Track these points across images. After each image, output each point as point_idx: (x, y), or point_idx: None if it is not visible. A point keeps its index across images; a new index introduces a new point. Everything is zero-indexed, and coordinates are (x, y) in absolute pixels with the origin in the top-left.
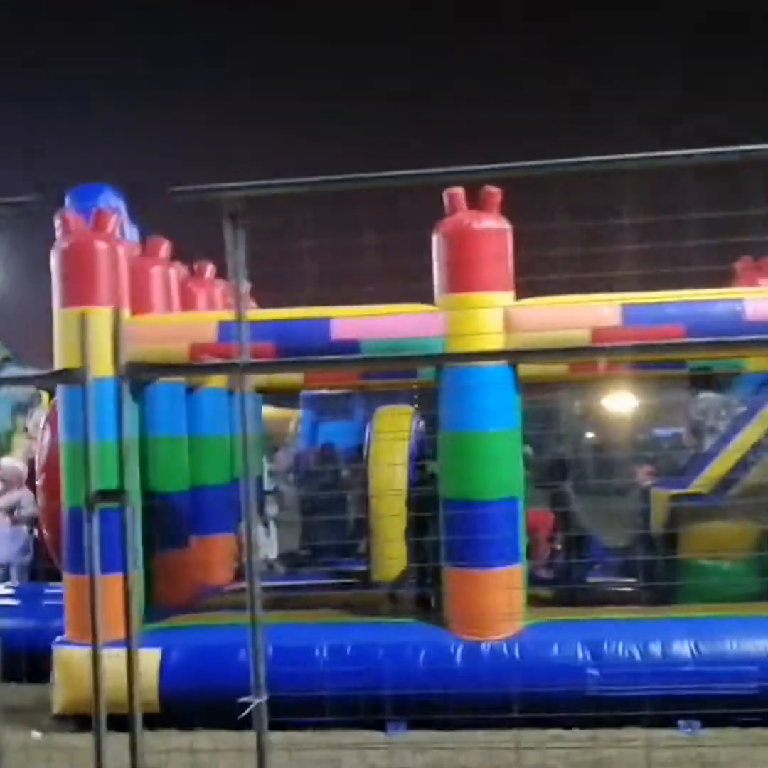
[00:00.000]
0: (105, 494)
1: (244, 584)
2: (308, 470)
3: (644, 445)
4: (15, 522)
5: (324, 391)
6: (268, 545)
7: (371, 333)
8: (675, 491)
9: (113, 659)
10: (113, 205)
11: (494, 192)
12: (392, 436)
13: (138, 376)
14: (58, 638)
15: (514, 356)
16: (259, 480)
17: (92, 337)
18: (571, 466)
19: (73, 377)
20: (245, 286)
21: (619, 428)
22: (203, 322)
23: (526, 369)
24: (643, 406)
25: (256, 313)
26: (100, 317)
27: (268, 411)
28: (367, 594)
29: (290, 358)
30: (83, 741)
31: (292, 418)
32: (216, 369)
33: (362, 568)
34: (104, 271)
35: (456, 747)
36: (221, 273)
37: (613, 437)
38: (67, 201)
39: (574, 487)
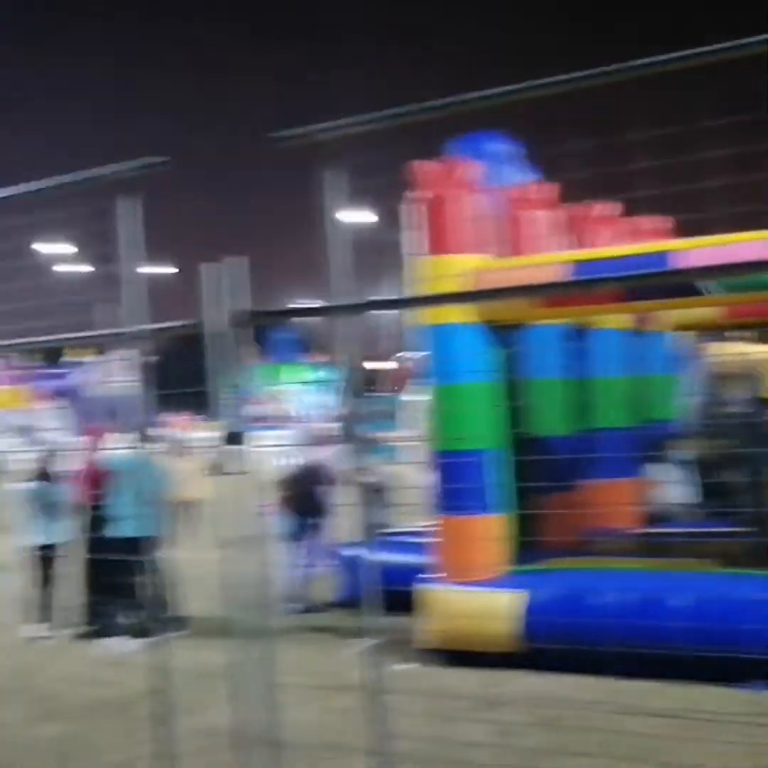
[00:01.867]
0: (234, 436)
1: (647, 529)
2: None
3: None
4: None
5: None
6: (675, 488)
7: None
8: None
9: (473, 599)
10: (502, 151)
11: None
12: None
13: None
14: (424, 575)
15: None
16: (667, 422)
17: (445, 283)
18: None
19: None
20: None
21: None
22: (557, 263)
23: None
24: None
25: (597, 252)
26: (454, 265)
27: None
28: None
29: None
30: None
31: None
32: None
33: None
34: (453, 220)
35: None
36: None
37: None
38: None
39: None
